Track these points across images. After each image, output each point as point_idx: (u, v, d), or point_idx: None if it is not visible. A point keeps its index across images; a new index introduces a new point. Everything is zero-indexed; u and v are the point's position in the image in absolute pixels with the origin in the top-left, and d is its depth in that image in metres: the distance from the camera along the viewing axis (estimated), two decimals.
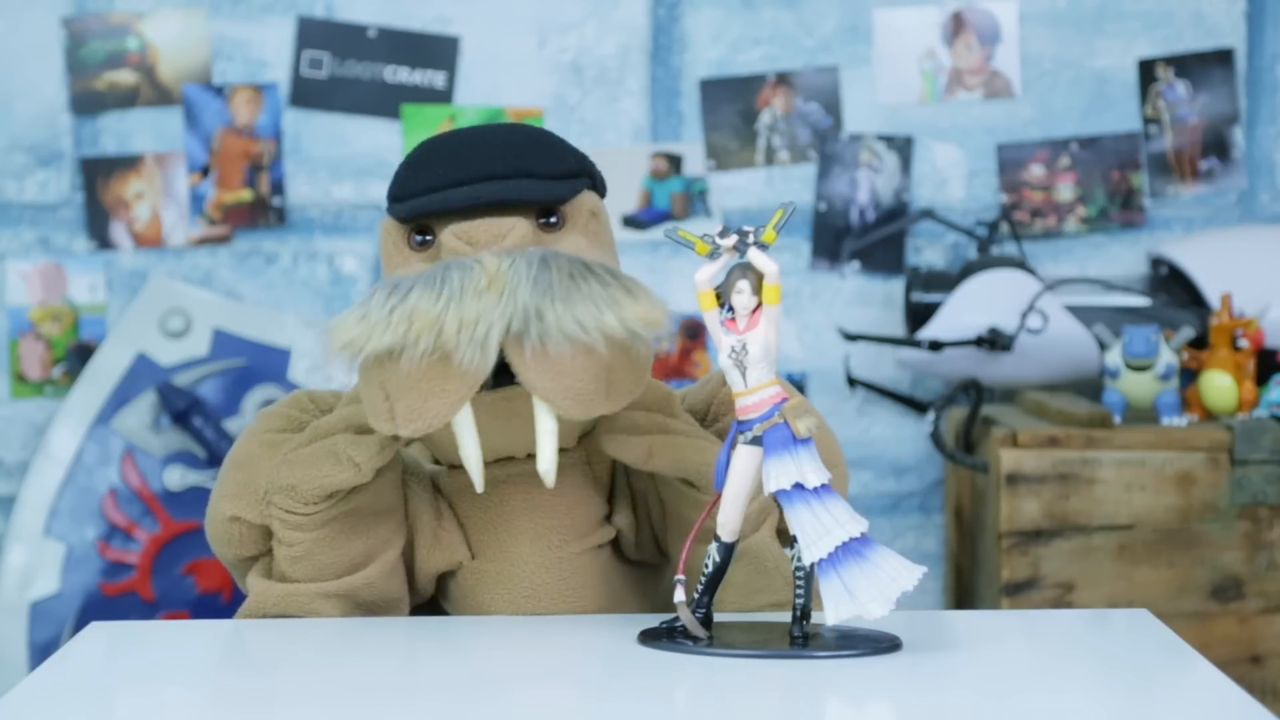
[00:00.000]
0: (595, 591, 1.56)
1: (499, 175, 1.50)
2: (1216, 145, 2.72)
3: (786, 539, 1.53)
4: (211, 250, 2.71)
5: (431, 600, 1.62)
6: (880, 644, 1.37)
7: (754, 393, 1.36)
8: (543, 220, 1.51)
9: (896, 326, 2.70)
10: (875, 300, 2.72)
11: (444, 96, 2.70)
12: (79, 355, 2.68)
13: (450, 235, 1.47)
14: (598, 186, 1.56)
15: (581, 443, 1.57)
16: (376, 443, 1.50)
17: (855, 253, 2.72)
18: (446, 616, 1.57)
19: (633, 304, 1.42)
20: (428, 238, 1.51)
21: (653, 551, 1.60)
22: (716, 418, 1.61)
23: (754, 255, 1.35)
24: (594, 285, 1.42)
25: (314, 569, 1.52)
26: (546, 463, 1.45)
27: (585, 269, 1.42)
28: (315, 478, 1.50)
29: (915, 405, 2.68)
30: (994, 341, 2.51)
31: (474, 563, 1.56)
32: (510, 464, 1.54)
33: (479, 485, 1.47)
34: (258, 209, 2.70)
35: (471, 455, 1.45)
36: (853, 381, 2.68)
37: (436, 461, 1.61)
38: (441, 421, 1.43)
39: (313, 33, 2.70)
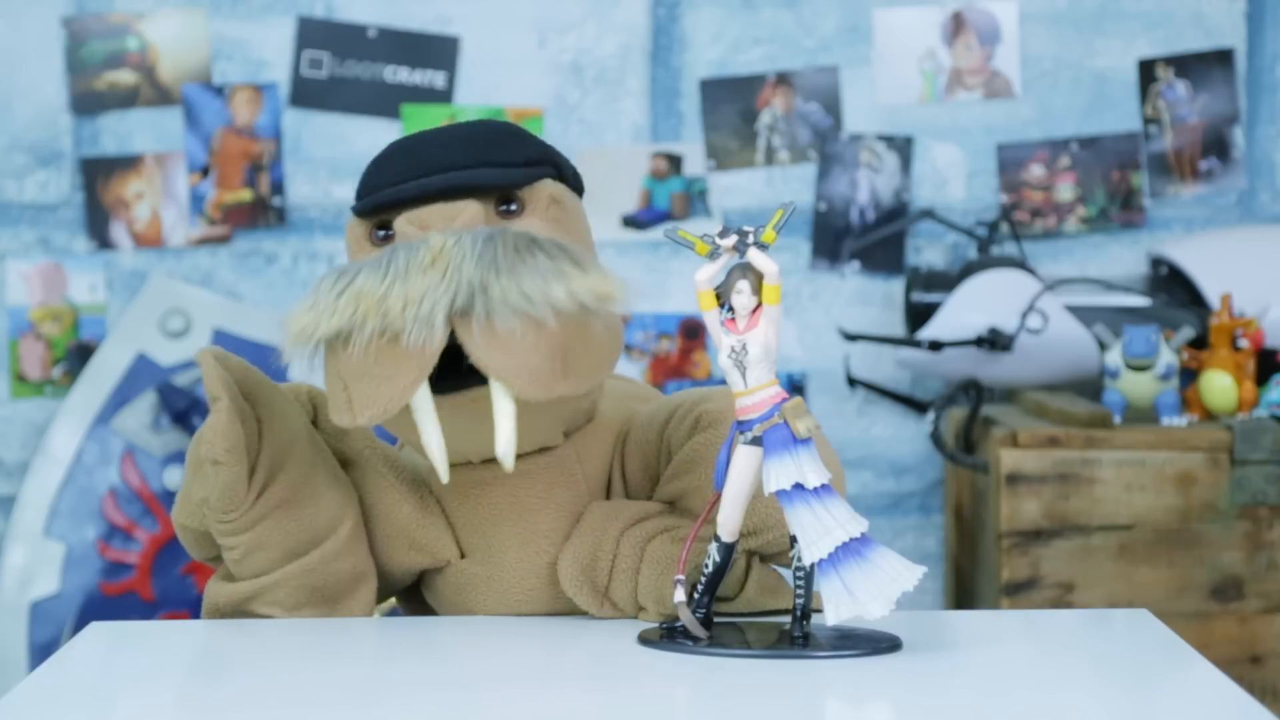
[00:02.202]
0: None
1: (457, 167, 1.49)
2: (1216, 145, 2.72)
3: (766, 593, 1.51)
4: (211, 250, 2.70)
5: (411, 593, 1.61)
6: (880, 644, 1.37)
7: (754, 393, 1.36)
8: (501, 208, 1.49)
9: (896, 326, 2.70)
10: (875, 300, 2.72)
11: (444, 96, 2.70)
12: (79, 355, 2.68)
13: (403, 221, 1.46)
14: (566, 179, 1.54)
15: (571, 440, 1.55)
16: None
17: (855, 253, 2.72)
18: (446, 617, 1.57)
19: (582, 276, 1.39)
20: (389, 232, 1.50)
21: None
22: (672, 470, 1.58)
23: (754, 255, 1.35)
24: (540, 258, 1.39)
25: (255, 567, 1.52)
26: (503, 445, 1.41)
27: (532, 243, 1.40)
28: (209, 487, 1.48)
29: (915, 405, 2.67)
30: (994, 341, 2.51)
31: (463, 563, 1.54)
32: (496, 464, 1.52)
33: (443, 476, 1.43)
34: (258, 209, 2.70)
35: (433, 443, 1.41)
36: (853, 381, 2.68)
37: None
38: (396, 406, 1.39)
39: (313, 33, 2.70)
